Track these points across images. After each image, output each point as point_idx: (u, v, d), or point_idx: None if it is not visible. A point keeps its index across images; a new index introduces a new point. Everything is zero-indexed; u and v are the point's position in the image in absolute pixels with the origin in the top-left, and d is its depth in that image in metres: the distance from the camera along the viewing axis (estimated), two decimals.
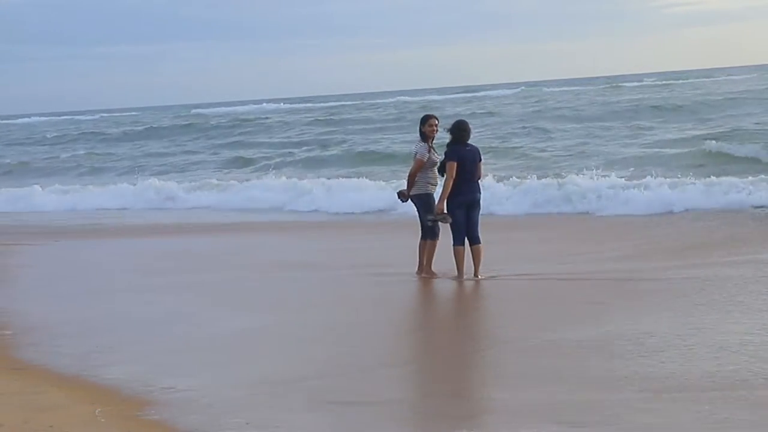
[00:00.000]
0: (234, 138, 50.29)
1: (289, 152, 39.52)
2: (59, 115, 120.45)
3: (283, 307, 11.03)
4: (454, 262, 12.03)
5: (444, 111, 50.37)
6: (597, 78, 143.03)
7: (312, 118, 62.39)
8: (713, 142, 26.59)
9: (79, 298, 12.09)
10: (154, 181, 28.76)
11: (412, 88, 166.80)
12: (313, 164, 34.58)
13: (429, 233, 12.31)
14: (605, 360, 7.88)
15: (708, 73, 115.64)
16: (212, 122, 64.38)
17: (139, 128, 64.44)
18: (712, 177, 19.06)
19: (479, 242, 12.09)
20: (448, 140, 12.12)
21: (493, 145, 33.39)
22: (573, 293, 10.97)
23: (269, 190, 25.65)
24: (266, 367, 8.29)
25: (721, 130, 31.97)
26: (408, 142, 37.97)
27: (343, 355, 8.59)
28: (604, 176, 21.33)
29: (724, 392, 6.83)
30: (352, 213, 21.03)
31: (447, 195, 11.99)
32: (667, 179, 20.04)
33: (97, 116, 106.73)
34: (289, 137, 48.62)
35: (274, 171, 33.27)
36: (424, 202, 12.33)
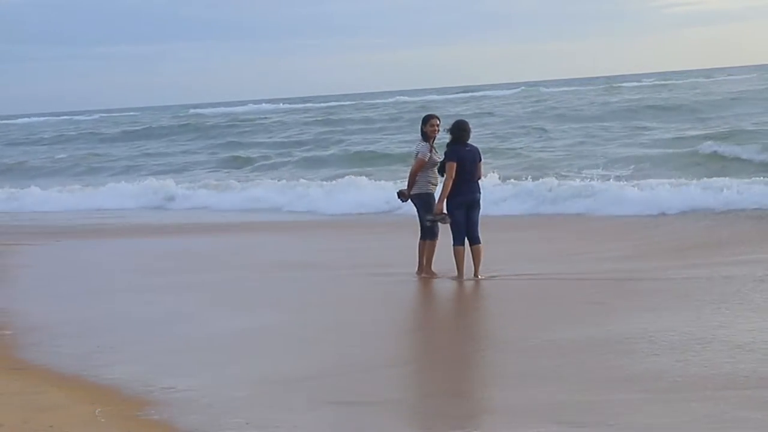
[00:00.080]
0: (232, 138, 50.31)
1: (288, 152, 39.54)
2: (59, 115, 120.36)
3: (283, 307, 11.03)
4: (454, 262, 12.03)
5: (443, 111, 50.29)
6: (597, 78, 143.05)
7: (311, 118, 62.44)
8: (711, 143, 26.59)
9: (79, 298, 12.09)
10: (153, 181, 28.78)
11: (411, 88, 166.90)
12: (311, 164, 34.60)
13: (428, 233, 12.32)
14: (605, 360, 7.88)
15: (708, 73, 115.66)
16: (211, 122, 64.41)
17: (138, 128, 64.48)
18: (713, 177, 19.06)
19: (479, 242, 12.09)
20: (448, 140, 12.13)
21: (492, 145, 33.39)
22: (573, 293, 10.97)
23: (268, 190, 25.67)
24: (266, 367, 8.29)
25: (720, 131, 31.98)
26: (407, 142, 37.99)
27: (343, 355, 8.59)
28: (603, 176, 21.34)
29: (724, 392, 6.83)
30: (352, 213, 21.01)
31: (446, 195, 12.00)
32: (666, 179, 20.05)
33: (96, 116, 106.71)
34: (288, 137, 48.65)
35: (272, 171, 33.38)
36: (424, 202, 12.33)
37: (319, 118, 61.58)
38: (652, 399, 6.77)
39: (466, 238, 12.06)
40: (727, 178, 19.02)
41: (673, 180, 19.73)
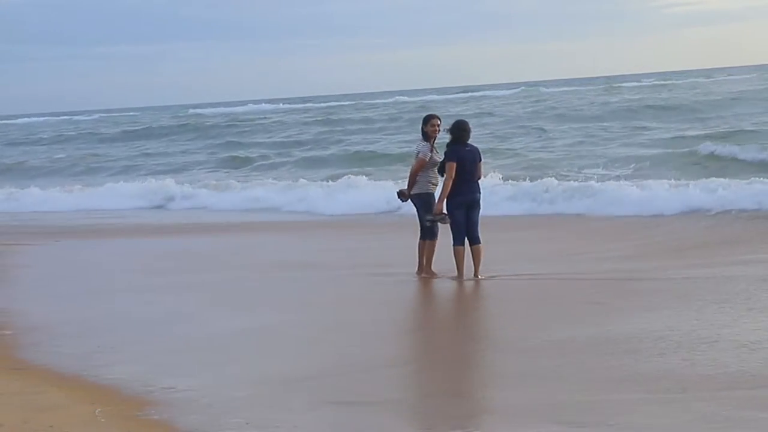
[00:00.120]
0: (232, 138, 50.30)
1: (288, 152, 39.54)
2: (58, 115, 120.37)
3: (283, 307, 11.03)
4: (454, 262, 12.03)
5: (443, 111, 50.24)
6: (597, 78, 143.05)
7: (310, 118, 62.45)
8: (710, 143, 26.60)
9: (79, 298, 12.08)
10: (153, 181, 28.79)
11: (411, 88, 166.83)
12: (311, 164, 34.60)
13: (428, 233, 12.31)
14: (605, 360, 7.88)
15: (708, 73, 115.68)
16: (210, 122, 64.42)
17: (137, 128, 64.49)
18: (712, 178, 19.07)
19: (479, 242, 12.09)
20: (448, 140, 12.13)
21: (491, 145, 33.40)
22: (573, 293, 10.97)
23: (268, 190, 25.67)
24: (266, 367, 8.29)
25: (719, 131, 32.01)
26: (406, 141, 38.01)
27: (343, 355, 8.59)
28: (603, 176, 21.35)
29: (725, 392, 6.84)
30: (352, 213, 20.99)
31: (446, 195, 12.00)
32: (666, 180, 20.06)
33: (95, 116, 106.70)
34: (288, 136, 48.66)
35: (272, 171, 33.38)
36: (424, 202, 12.32)
37: (319, 118, 61.59)
38: (653, 399, 6.78)
39: (466, 238, 12.06)
40: (726, 179, 19.04)
41: (672, 180, 19.73)
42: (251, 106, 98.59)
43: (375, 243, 16.51)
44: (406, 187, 12.62)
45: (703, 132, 32.48)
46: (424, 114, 12.94)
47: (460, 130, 12.10)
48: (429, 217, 12.17)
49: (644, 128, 37.17)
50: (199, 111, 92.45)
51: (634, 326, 8.94)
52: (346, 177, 25.36)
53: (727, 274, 11.39)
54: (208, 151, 44.12)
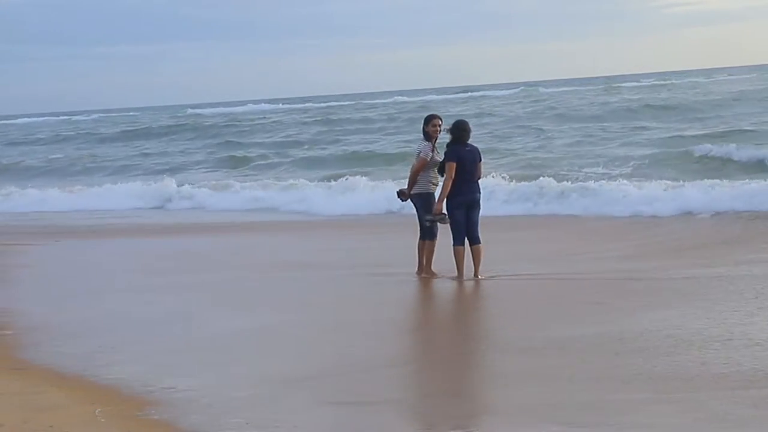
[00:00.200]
0: (231, 138, 50.27)
1: (287, 152, 39.53)
2: (58, 116, 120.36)
3: (283, 307, 11.03)
4: (454, 262, 12.03)
5: (442, 111, 50.12)
6: (596, 78, 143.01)
7: (310, 118, 62.44)
8: (709, 143, 26.59)
9: (79, 298, 12.08)
10: (152, 181, 28.78)
11: (411, 88, 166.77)
12: (310, 164, 34.59)
13: (427, 233, 12.32)
14: (606, 360, 7.89)
15: (708, 73, 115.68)
16: (209, 122, 64.41)
17: (137, 128, 64.46)
18: (712, 179, 19.08)
19: (479, 242, 12.09)
20: (448, 140, 12.13)
21: (491, 145, 33.40)
22: (573, 293, 10.98)
23: (267, 190, 25.68)
24: (266, 367, 8.29)
25: (719, 131, 32.00)
26: (406, 141, 38.03)
27: (343, 355, 8.59)
28: (602, 176, 21.35)
29: (726, 392, 6.84)
30: (351, 213, 20.99)
31: (446, 195, 12.00)
32: (665, 180, 20.07)
33: (95, 116, 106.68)
34: (287, 136, 48.64)
35: (271, 171, 33.37)
36: (424, 201, 12.32)
37: (318, 118, 61.58)
38: (652, 399, 6.78)
39: (466, 238, 12.06)
40: (725, 180, 19.06)
41: (672, 180, 19.73)
42: (251, 106, 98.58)
43: (375, 243, 16.52)
44: (406, 187, 12.62)
45: (702, 132, 32.47)
46: (424, 114, 12.95)
47: (460, 130, 12.10)
48: (429, 217, 12.18)
49: (643, 128, 37.15)
50: (197, 111, 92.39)
51: (635, 326, 8.94)
52: (345, 177, 25.36)
53: (731, 274, 11.40)
54: (207, 151, 44.09)
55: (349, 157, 34.90)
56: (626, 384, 7.17)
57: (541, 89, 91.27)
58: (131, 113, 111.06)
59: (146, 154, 45.18)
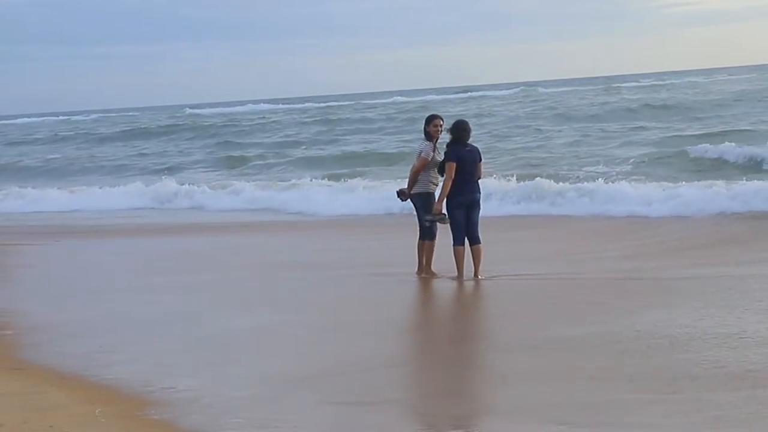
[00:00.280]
0: (230, 138, 50.27)
1: (286, 152, 39.54)
2: (58, 116, 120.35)
3: (283, 307, 11.03)
4: (454, 262, 12.03)
5: (442, 111, 50.08)
6: (596, 78, 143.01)
7: (309, 119, 62.44)
8: (709, 143, 26.60)
9: (79, 298, 12.08)
10: (152, 181, 28.77)
11: (411, 88, 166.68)
12: (309, 164, 34.59)
13: (427, 234, 12.31)
14: (606, 360, 7.89)
15: (708, 73, 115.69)
16: (209, 122, 64.41)
17: (136, 128, 64.43)
18: (711, 179, 19.09)
19: (479, 242, 12.09)
20: (448, 140, 12.13)
21: (490, 145, 33.41)
22: (573, 293, 10.98)
23: (267, 190, 25.68)
24: (266, 367, 8.29)
25: (719, 131, 32.01)
26: (405, 141, 38.05)
27: (343, 355, 8.59)
28: (602, 176, 21.34)
29: (726, 391, 6.84)
30: (351, 213, 20.99)
31: (446, 195, 12.00)
32: (665, 180, 20.09)
33: (94, 116, 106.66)
34: (286, 136, 48.65)
35: (271, 171, 33.36)
36: (424, 201, 12.32)
37: (318, 118, 61.59)
38: (653, 399, 6.78)
39: (466, 238, 12.06)
40: (723, 180, 19.07)
41: (671, 180, 19.73)
42: (250, 107, 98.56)
43: (375, 243, 16.52)
44: (406, 187, 12.62)
45: (701, 132, 32.47)
46: (424, 114, 12.96)
47: (460, 130, 12.10)
48: (428, 217, 12.17)
49: (643, 128, 37.16)
50: (196, 111, 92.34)
51: (635, 326, 8.94)
52: (344, 177, 25.32)
53: (732, 274, 11.42)
54: (206, 150, 44.11)
55: (348, 157, 34.89)
56: (626, 384, 7.17)
57: (541, 89, 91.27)
58: (131, 113, 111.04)
59: (144, 154, 45.18)
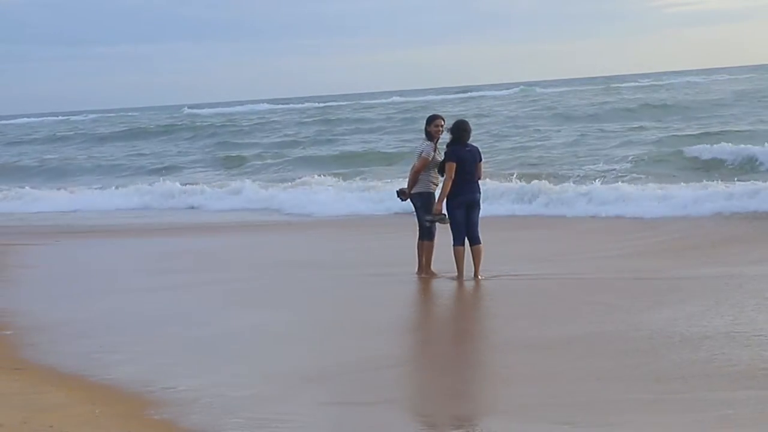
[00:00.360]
0: (228, 138, 50.24)
1: (286, 152, 39.52)
2: (57, 115, 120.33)
3: (284, 306, 11.02)
4: (454, 262, 12.03)
5: (441, 111, 50.13)
6: (596, 78, 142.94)
7: (308, 118, 62.42)
8: (708, 143, 26.59)
9: (79, 298, 12.08)
10: (152, 181, 28.76)
11: (410, 88, 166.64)
12: (309, 164, 34.55)
13: (426, 234, 12.31)
14: (606, 360, 7.89)
15: (707, 73, 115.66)
16: (208, 122, 64.40)
17: (135, 128, 64.39)
18: (713, 180, 19.12)
19: (479, 242, 12.09)
20: (448, 140, 12.13)
21: (489, 145, 33.41)
22: (573, 293, 10.98)
23: (267, 189, 25.67)
24: (267, 366, 8.29)
25: (718, 130, 31.99)
26: (404, 141, 38.02)
27: (344, 355, 8.59)
28: (602, 176, 21.35)
29: (727, 391, 6.84)
30: (351, 213, 20.98)
31: (446, 195, 12.00)
32: (664, 180, 20.08)
33: (94, 116, 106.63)
34: (286, 136, 48.62)
35: (270, 170, 33.34)
36: (425, 201, 12.32)
37: (317, 118, 61.58)
38: (653, 399, 6.78)
39: (466, 238, 12.06)
40: (720, 180, 19.08)
41: (670, 180, 19.74)
42: (249, 106, 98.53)
43: (375, 243, 16.52)
44: (406, 186, 12.62)
45: (701, 132, 32.44)
46: (423, 114, 12.96)
47: (460, 130, 12.11)
48: (428, 217, 12.17)
49: (642, 128, 37.13)
50: (195, 111, 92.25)
51: (635, 326, 8.94)
52: (343, 177, 25.29)
53: (732, 274, 11.41)
54: (205, 150, 44.05)
55: (348, 157, 34.88)
56: (627, 384, 7.17)
57: (540, 89, 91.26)
58: (130, 113, 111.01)
59: (143, 154, 45.15)
